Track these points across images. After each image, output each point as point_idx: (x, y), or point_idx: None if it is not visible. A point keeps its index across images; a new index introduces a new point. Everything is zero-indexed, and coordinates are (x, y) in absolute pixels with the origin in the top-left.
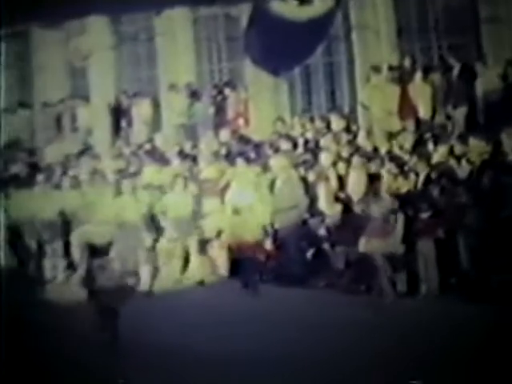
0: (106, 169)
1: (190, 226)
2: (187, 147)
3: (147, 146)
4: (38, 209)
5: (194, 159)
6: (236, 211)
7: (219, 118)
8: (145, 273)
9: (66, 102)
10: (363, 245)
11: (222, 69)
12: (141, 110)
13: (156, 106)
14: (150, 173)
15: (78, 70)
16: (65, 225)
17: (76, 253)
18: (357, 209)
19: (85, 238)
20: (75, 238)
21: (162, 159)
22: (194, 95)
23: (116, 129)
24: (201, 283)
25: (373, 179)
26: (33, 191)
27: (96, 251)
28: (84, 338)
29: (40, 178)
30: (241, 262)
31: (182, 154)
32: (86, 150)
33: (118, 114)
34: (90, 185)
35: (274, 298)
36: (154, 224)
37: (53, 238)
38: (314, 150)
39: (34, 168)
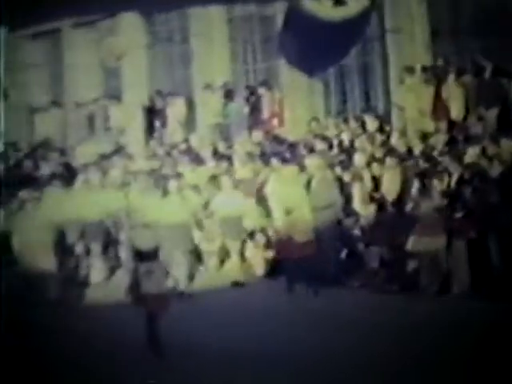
0: (140, 169)
1: (235, 226)
2: (222, 147)
3: (182, 146)
4: (77, 209)
5: (229, 159)
6: (287, 211)
7: (254, 118)
8: (185, 273)
9: (98, 102)
10: (412, 244)
11: (256, 69)
12: (175, 110)
13: (190, 105)
14: (185, 173)
15: (110, 70)
16: (109, 226)
17: (123, 256)
18: (391, 208)
19: (131, 241)
20: (122, 241)
21: (196, 159)
22: (229, 95)
23: (149, 129)
24: (239, 284)
25: (423, 177)
26: (71, 191)
27: (143, 255)
28: (123, 340)
29: (78, 177)
30: (284, 262)
31: (217, 154)
32: (118, 150)
33: (152, 114)
34: (130, 185)
35: (309, 298)
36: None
37: (96, 239)
38: (348, 150)
39: (67, 168)
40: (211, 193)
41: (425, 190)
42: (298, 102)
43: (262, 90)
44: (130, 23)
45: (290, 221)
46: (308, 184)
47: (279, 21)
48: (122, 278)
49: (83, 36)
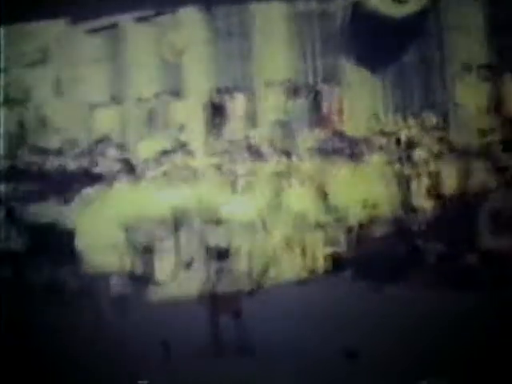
0: (201, 165)
1: (300, 222)
2: (283, 143)
3: (243, 143)
4: (145, 206)
5: (290, 155)
6: (365, 205)
7: (315, 115)
8: (255, 271)
9: (158, 98)
10: (489, 240)
11: (317, 65)
12: (236, 107)
13: (251, 102)
14: (247, 169)
15: (171, 65)
16: (176, 222)
17: (194, 253)
18: (450, 204)
19: (205, 238)
20: (192, 238)
21: (258, 155)
22: (290, 92)
23: (210, 125)
24: (304, 280)
25: (502, 171)
26: (136, 187)
27: (218, 253)
28: (187, 338)
29: (143, 173)
30: (348, 258)
31: (278, 151)
32: (179, 147)
33: (213, 110)
34: (198, 181)
35: (372, 294)
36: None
37: (164, 236)
38: (407, 146)
39: (127, 164)
40: (276, 189)
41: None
42: (357, 98)
43: (322, 87)
44: (191, 18)
45: (367, 215)
46: (368, 180)
47: (340, 17)
48: (193, 276)
49: (143, 31)
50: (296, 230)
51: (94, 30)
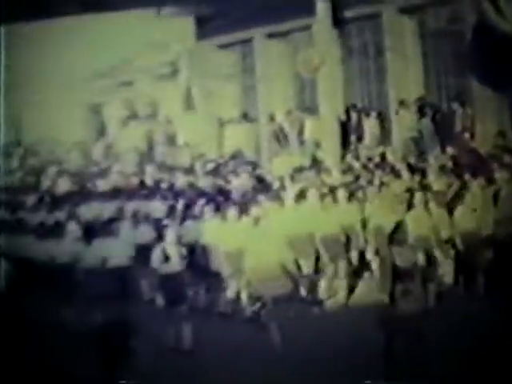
0: (336, 182)
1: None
2: (416, 161)
3: (377, 160)
4: (309, 224)
5: (423, 172)
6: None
7: (446, 132)
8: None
9: (292, 114)
10: None
11: (448, 84)
12: (370, 124)
13: (385, 120)
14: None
15: (304, 82)
16: (345, 242)
17: (375, 273)
18: None
19: (390, 258)
20: (370, 258)
21: (392, 172)
22: (422, 110)
23: (345, 142)
24: None
25: None
26: (300, 205)
27: (400, 274)
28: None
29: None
30: None
31: (412, 168)
32: (315, 164)
33: (347, 128)
34: (365, 199)
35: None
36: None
37: (333, 255)
38: None
39: (260, 181)
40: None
41: None
42: (486, 116)
43: (454, 105)
44: (324, 35)
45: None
46: (495, 197)
47: (469, 36)
48: (369, 296)
49: (276, 47)
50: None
51: (226, 45)
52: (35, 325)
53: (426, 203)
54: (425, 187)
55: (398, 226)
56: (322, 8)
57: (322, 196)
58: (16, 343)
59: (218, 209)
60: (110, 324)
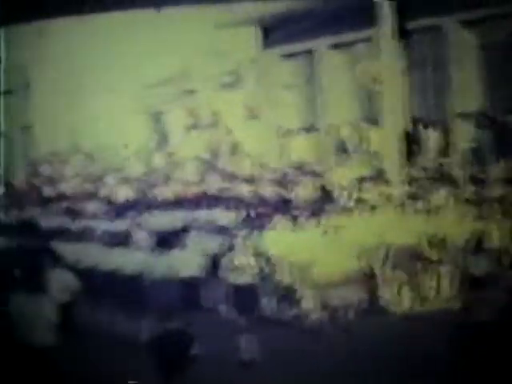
0: (396, 193)
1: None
2: (476, 172)
3: (438, 171)
4: (383, 233)
5: (483, 183)
6: None
7: (503, 143)
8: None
9: (354, 125)
10: None
11: (508, 96)
12: (432, 136)
13: (445, 132)
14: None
15: (366, 93)
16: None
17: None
18: None
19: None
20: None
21: (452, 184)
22: (481, 121)
23: (407, 154)
24: None
25: None
26: (376, 215)
27: (475, 282)
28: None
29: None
30: None
31: (472, 178)
32: (378, 175)
33: (409, 140)
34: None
35: None
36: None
37: (404, 265)
38: None
39: (323, 191)
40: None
41: None
42: None
43: (510, 117)
44: (388, 47)
45: None
46: None
47: None
48: (441, 305)
49: (339, 57)
50: None
51: (289, 55)
52: (99, 336)
53: (492, 213)
54: (486, 198)
55: (471, 236)
56: (386, 20)
57: (388, 206)
58: (79, 354)
59: (285, 219)
60: (171, 334)
